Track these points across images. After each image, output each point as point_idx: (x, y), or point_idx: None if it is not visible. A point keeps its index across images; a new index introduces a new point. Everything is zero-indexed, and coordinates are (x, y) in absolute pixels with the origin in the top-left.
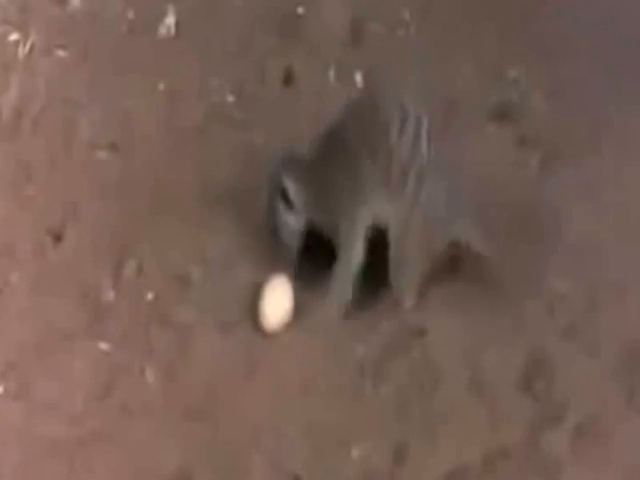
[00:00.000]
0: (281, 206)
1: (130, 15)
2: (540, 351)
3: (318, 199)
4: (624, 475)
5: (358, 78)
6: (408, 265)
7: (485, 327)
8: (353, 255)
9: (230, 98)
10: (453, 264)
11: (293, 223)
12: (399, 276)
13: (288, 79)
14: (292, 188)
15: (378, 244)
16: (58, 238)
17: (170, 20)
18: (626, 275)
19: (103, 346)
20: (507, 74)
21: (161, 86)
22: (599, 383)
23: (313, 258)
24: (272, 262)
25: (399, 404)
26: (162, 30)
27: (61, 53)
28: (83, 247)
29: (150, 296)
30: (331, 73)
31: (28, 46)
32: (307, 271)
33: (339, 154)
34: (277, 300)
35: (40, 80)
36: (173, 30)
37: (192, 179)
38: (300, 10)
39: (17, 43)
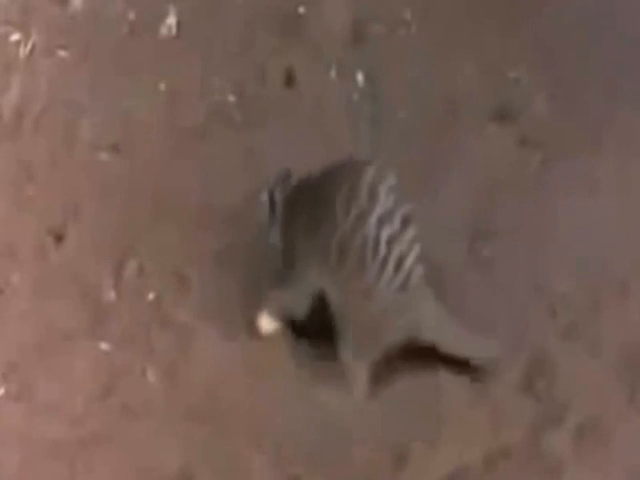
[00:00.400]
0: (269, 216)
1: (131, 15)
2: (541, 351)
3: (287, 231)
4: (626, 475)
5: (359, 78)
6: (355, 349)
7: (486, 327)
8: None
9: (231, 98)
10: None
11: (272, 236)
12: (346, 357)
13: (289, 79)
14: (279, 206)
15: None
16: (59, 238)
17: (171, 20)
18: (628, 275)
19: (104, 346)
20: (508, 74)
21: (162, 86)
22: (601, 383)
23: None
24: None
25: (400, 405)
26: (163, 30)
27: (62, 53)
28: (84, 247)
29: (151, 296)
30: (332, 73)
31: (29, 46)
32: None
33: (306, 207)
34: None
35: (41, 80)
36: (174, 30)
37: (193, 179)
38: (301, 10)
39: (18, 43)
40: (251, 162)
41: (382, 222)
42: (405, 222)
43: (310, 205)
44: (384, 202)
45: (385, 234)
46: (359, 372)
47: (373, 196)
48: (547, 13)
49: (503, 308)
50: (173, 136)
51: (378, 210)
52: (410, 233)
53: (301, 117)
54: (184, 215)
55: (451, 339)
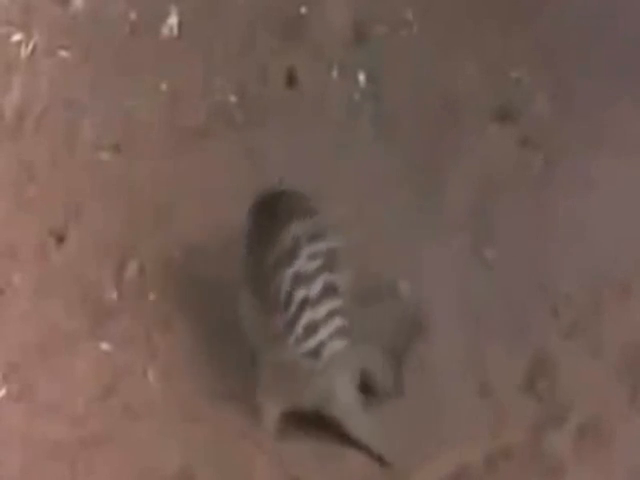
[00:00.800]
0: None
1: (132, 16)
2: (543, 351)
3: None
4: (627, 475)
5: (361, 78)
6: (265, 390)
7: (489, 327)
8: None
9: (233, 98)
10: None
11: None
12: (258, 393)
13: (291, 79)
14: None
15: None
16: (60, 239)
17: (172, 20)
18: (629, 275)
19: (105, 347)
20: (510, 74)
21: (163, 86)
22: (602, 383)
23: None
24: None
25: (400, 404)
26: (164, 30)
27: (64, 54)
28: (85, 248)
29: (152, 297)
30: (334, 73)
31: (31, 47)
32: None
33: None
34: None
35: (42, 81)
36: (176, 30)
37: (194, 179)
38: (303, 10)
39: (20, 44)
40: (252, 162)
41: (298, 281)
42: (327, 291)
43: (253, 227)
44: (304, 263)
45: (299, 295)
46: (268, 411)
47: (294, 252)
48: (548, 13)
49: (505, 308)
50: (174, 136)
51: (296, 267)
52: (331, 304)
53: (303, 117)
54: (185, 215)
55: (357, 426)
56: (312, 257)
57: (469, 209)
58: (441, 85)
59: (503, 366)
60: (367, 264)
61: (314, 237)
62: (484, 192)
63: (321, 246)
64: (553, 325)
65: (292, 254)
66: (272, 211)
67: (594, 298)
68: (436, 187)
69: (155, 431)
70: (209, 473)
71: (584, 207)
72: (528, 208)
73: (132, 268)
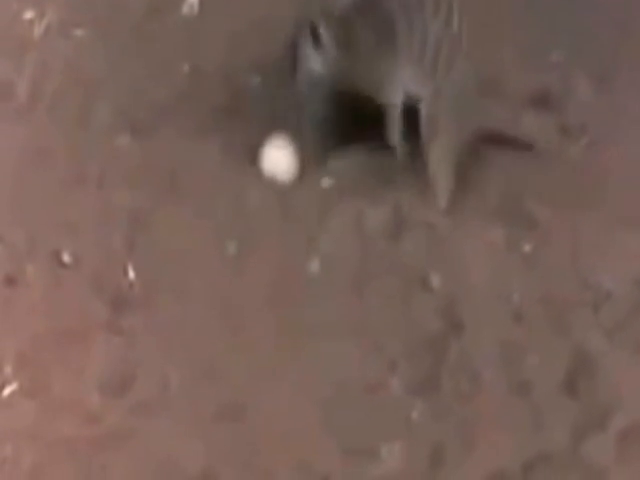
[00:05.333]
0: (308, 44)
1: None
2: (584, 350)
3: (350, 53)
4: None
5: None
6: (441, 142)
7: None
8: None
9: (256, 79)
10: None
11: (317, 64)
12: (433, 157)
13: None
14: (324, 32)
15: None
16: (75, 229)
17: None
18: None
19: (121, 340)
20: (549, 57)
21: (184, 67)
22: None
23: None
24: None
25: (435, 404)
26: (185, 9)
27: (79, 32)
28: (101, 236)
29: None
30: None
31: (44, 25)
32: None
33: (376, 18)
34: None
35: (56, 61)
36: (196, 9)
37: (213, 164)
38: None
39: (32, 22)
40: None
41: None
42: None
43: (389, 11)
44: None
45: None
46: (446, 179)
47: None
48: None
49: (543, 303)
50: (196, 119)
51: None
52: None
53: None
54: (204, 198)
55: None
56: None
57: (505, 197)
58: (476, 69)
59: (541, 364)
60: None
61: None
62: (522, 179)
63: None
64: (594, 322)
65: None
66: None
67: (637, 295)
68: (471, 175)
69: (175, 429)
70: (233, 474)
71: (628, 198)
72: (567, 198)
73: (147, 255)
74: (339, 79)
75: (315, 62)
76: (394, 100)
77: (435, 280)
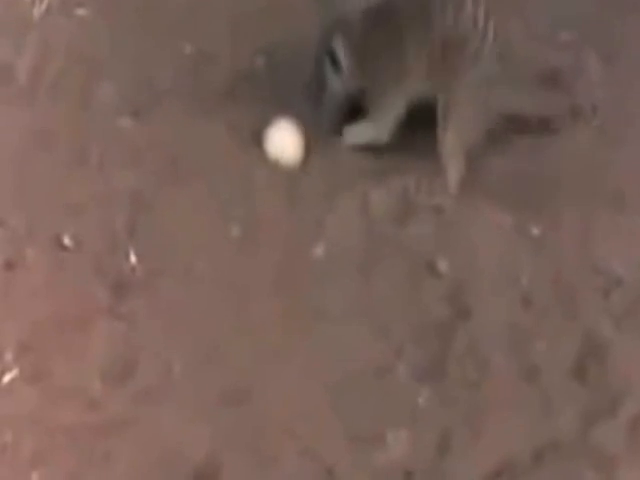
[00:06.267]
0: (329, 68)
1: None
2: (594, 335)
3: (365, 66)
4: None
5: None
6: (457, 130)
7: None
8: (388, 109)
9: (260, 61)
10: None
11: (337, 86)
12: (447, 144)
13: None
14: (341, 51)
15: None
16: (76, 212)
17: None
18: None
19: (124, 325)
20: (559, 37)
21: (187, 48)
22: None
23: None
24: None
25: (442, 390)
26: None
27: (80, 12)
28: (102, 219)
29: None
30: None
31: (44, 4)
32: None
33: (387, 27)
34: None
35: (58, 41)
36: None
37: (216, 146)
38: None
39: (33, 1)
40: None
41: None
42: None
43: (398, 18)
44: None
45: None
46: (459, 164)
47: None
48: None
49: (553, 287)
50: (198, 101)
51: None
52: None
53: None
54: (207, 181)
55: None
56: None
57: (514, 183)
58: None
59: (551, 350)
60: None
61: None
62: (532, 162)
63: None
64: (604, 308)
65: None
66: None
67: None
68: (481, 159)
69: (178, 416)
70: (238, 461)
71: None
72: (576, 183)
73: (150, 239)
74: (355, 92)
75: (337, 84)
76: (396, 105)
77: (443, 264)
